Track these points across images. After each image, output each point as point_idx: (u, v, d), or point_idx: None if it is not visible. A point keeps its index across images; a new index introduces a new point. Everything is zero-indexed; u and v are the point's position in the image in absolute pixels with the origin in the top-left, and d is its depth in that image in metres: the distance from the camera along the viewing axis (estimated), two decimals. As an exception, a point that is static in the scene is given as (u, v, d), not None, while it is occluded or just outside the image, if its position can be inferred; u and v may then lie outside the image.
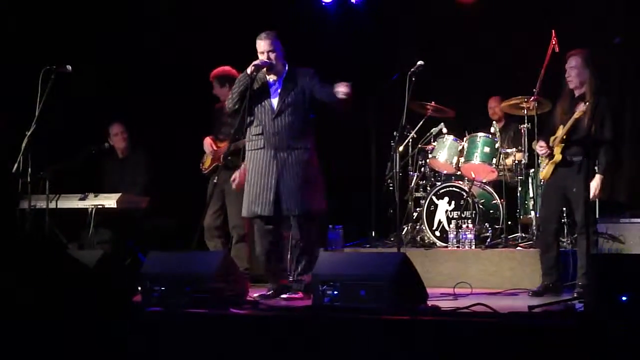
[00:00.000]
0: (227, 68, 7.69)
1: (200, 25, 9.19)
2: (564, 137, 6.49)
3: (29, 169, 6.92)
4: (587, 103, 6.31)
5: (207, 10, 9.23)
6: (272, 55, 6.42)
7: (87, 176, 8.28)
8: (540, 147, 6.72)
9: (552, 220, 6.61)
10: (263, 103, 6.48)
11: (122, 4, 8.98)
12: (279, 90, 6.48)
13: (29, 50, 8.37)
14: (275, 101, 6.47)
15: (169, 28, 9.08)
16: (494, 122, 8.51)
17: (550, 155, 6.58)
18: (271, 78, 6.51)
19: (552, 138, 6.64)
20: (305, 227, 6.41)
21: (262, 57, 6.43)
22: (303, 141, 6.44)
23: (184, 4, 9.26)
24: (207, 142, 7.61)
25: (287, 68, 6.51)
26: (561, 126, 6.56)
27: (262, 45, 6.42)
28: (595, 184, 6.39)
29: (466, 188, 8.13)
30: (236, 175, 7.00)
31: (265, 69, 6.46)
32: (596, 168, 6.45)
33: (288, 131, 6.41)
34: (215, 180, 6.90)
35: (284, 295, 6.40)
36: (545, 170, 6.67)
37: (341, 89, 6.27)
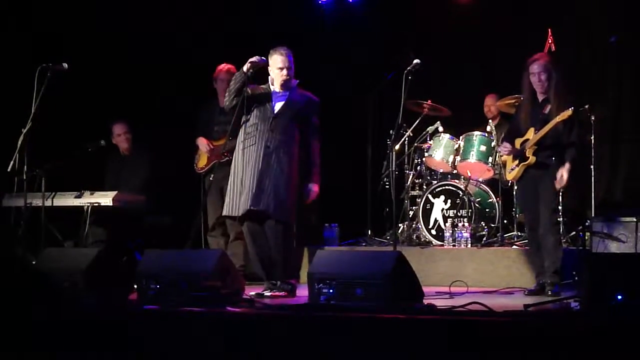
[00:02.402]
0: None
1: (197, 24, 9.18)
2: (537, 140, 6.55)
3: (25, 167, 6.92)
4: (572, 108, 6.38)
5: (203, 8, 9.22)
6: (290, 72, 6.58)
7: (83, 174, 8.26)
8: (504, 148, 6.82)
9: (538, 221, 6.63)
10: (264, 105, 6.59)
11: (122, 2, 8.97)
12: (284, 99, 6.60)
13: (26, 47, 8.36)
14: (277, 105, 6.59)
15: (167, 27, 9.06)
16: (489, 121, 8.51)
17: (522, 158, 6.63)
18: (279, 89, 6.61)
19: (519, 140, 6.70)
20: (281, 230, 6.47)
21: (282, 73, 6.54)
22: (292, 148, 6.55)
23: (181, 2, 9.25)
24: (203, 141, 7.67)
25: (294, 84, 6.66)
26: (532, 129, 6.61)
27: (281, 61, 6.55)
28: (565, 170, 6.46)
29: (462, 186, 8.13)
30: None
31: (281, 83, 6.54)
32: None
33: (282, 132, 6.52)
34: (211, 178, 6.92)
35: (267, 293, 6.42)
36: (515, 171, 6.72)
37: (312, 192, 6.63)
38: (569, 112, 6.37)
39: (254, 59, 6.50)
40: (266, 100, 6.59)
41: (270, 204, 6.41)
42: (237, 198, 6.51)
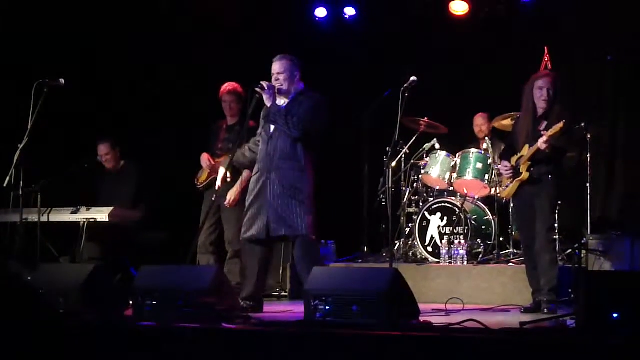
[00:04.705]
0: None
1: (196, 42, 9.21)
2: (531, 155, 6.52)
3: (21, 182, 6.92)
4: (562, 121, 6.31)
5: (202, 27, 9.26)
6: (281, 77, 6.42)
7: (79, 190, 8.26)
8: (504, 167, 6.77)
9: (534, 238, 6.61)
10: (265, 128, 6.51)
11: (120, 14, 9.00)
12: None
13: (21, 63, 8.37)
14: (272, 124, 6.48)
15: (165, 43, 9.09)
16: (486, 138, 8.53)
17: (516, 174, 6.62)
18: (281, 101, 6.48)
19: (514, 158, 6.68)
20: (303, 245, 6.41)
21: (274, 80, 6.44)
22: (294, 160, 6.41)
23: (179, 19, 9.28)
24: (205, 157, 7.65)
25: (297, 91, 6.49)
26: (527, 145, 6.58)
27: (273, 67, 6.44)
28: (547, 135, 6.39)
29: (459, 204, 8.14)
30: (232, 193, 7.22)
31: (276, 92, 6.42)
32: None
33: (277, 152, 6.41)
34: (213, 199, 6.94)
35: None
36: (509, 188, 6.71)
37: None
38: (560, 125, 6.33)
39: (264, 83, 6.38)
40: (267, 123, 6.47)
41: (289, 228, 6.35)
42: (258, 227, 6.44)
